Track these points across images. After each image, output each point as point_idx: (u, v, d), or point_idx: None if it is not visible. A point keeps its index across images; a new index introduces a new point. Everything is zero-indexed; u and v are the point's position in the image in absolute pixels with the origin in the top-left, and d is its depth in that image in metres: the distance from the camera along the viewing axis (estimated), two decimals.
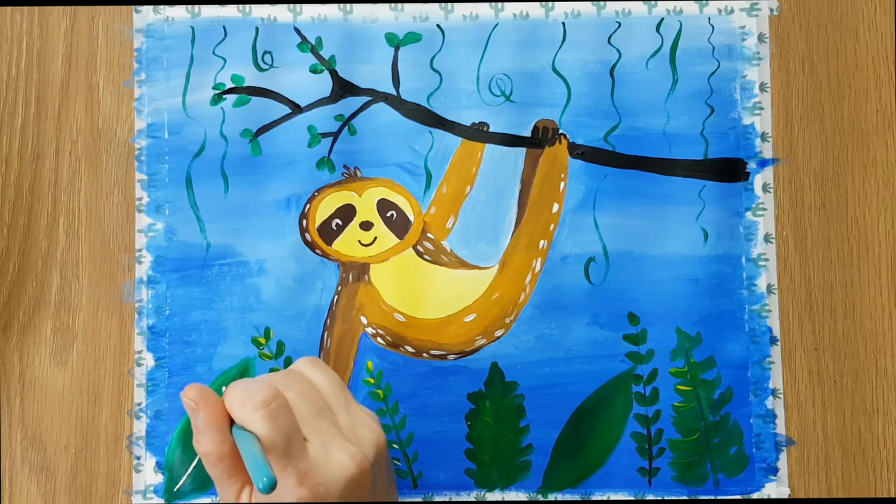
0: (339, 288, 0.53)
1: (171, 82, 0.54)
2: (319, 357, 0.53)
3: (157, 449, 0.53)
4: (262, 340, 0.53)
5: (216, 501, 0.52)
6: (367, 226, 0.54)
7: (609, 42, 0.54)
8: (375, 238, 0.54)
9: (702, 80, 0.54)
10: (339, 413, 0.42)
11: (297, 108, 0.54)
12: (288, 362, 0.53)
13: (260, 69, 0.54)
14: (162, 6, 0.54)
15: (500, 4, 0.54)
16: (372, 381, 0.53)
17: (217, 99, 0.54)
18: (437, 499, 0.52)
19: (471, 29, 0.54)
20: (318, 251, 0.53)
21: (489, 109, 0.54)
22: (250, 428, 0.39)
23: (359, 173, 0.54)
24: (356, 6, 0.54)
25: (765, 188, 0.53)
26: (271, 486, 0.37)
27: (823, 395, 0.53)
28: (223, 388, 0.42)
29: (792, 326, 0.53)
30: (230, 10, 0.54)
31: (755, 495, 0.52)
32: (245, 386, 0.41)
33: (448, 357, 0.53)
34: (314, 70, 0.54)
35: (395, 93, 0.54)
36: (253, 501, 0.41)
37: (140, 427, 0.53)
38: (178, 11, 0.54)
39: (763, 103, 0.54)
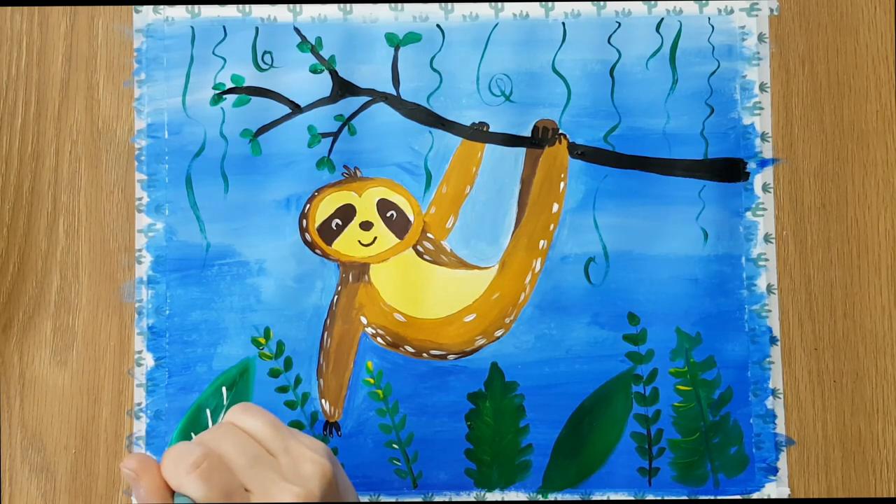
0: (339, 288, 0.53)
1: (171, 82, 0.54)
2: (319, 357, 0.53)
3: (157, 449, 0.53)
4: (262, 340, 0.53)
5: None
6: (367, 226, 0.54)
7: (609, 42, 0.54)
8: (375, 238, 0.54)
9: (702, 80, 0.54)
10: (279, 455, 0.41)
11: (297, 108, 0.54)
12: (288, 362, 0.53)
13: (260, 69, 0.54)
14: (162, 6, 0.54)
15: (500, 4, 0.54)
16: (372, 381, 0.53)
17: (217, 99, 0.54)
18: (437, 499, 0.52)
19: (471, 29, 0.54)
20: (318, 251, 0.53)
21: (489, 109, 0.54)
22: (185, 492, 0.39)
23: (359, 173, 0.54)
24: (356, 6, 0.54)
25: (765, 188, 0.53)
26: None
27: (823, 395, 0.53)
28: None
29: (792, 326, 0.53)
30: (230, 10, 0.54)
31: (755, 495, 0.52)
32: (176, 451, 0.41)
33: (448, 357, 0.53)
34: (314, 70, 0.54)
35: (395, 93, 0.54)
36: None
37: (140, 427, 0.53)
38: (178, 11, 0.54)
39: (763, 103, 0.54)
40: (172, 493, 0.40)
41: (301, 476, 0.41)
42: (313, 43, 0.54)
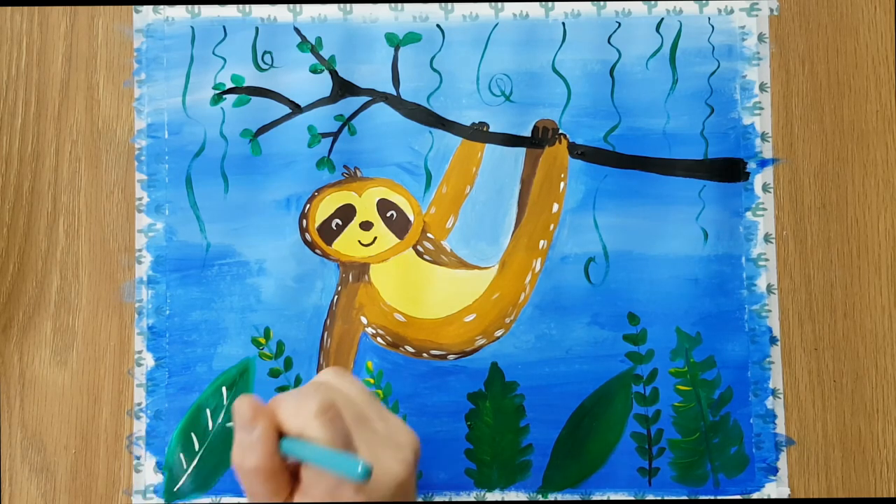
0: (339, 288, 0.53)
1: (171, 82, 0.54)
2: (319, 357, 0.53)
3: (157, 449, 0.53)
4: (262, 340, 0.53)
5: (216, 502, 0.52)
6: (367, 226, 0.54)
7: (609, 42, 0.54)
8: (375, 238, 0.54)
9: (702, 80, 0.54)
10: (375, 421, 0.42)
11: (297, 108, 0.54)
12: (288, 362, 0.53)
13: (260, 69, 0.54)
14: (162, 6, 0.54)
15: (500, 4, 0.54)
16: (372, 381, 0.53)
17: (217, 99, 0.54)
18: (437, 499, 0.52)
19: (471, 29, 0.54)
20: (318, 251, 0.53)
21: (489, 109, 0.54)
22: (311, 435, 0.39)
23: (359, 173, 0.54)
24: (356, 6, 0.54)
25: (765, 188, 0.53)
26: (369, 471, 0.36)
27: (823, 395, 0.53)
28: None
29: (792, 326, 0.53)
30: (230, 10, 0.54)
31: (755, 495, 0.52)
32: (295, 396, 0.41)
33: (448, 357, 0.53)
34: (314, 70, 0.54)
35: (395, 93, 0.54)
36: None
37: (140, 427, 0.53)
38: (178, 11, 0.54)
39: (763, 103, 0.54)
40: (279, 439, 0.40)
41: (398, 444, 0.41)
42: (313, 43, 0.54)
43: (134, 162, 0.54)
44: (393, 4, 0.54)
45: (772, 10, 0.54)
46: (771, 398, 0.52)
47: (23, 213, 0.54)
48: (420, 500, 0.52)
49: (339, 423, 0.39)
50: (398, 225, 0.54)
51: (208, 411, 0.53)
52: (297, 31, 0.54)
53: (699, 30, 0.54)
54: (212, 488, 0.52)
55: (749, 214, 0.53)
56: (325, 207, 0.53)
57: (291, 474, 0.40)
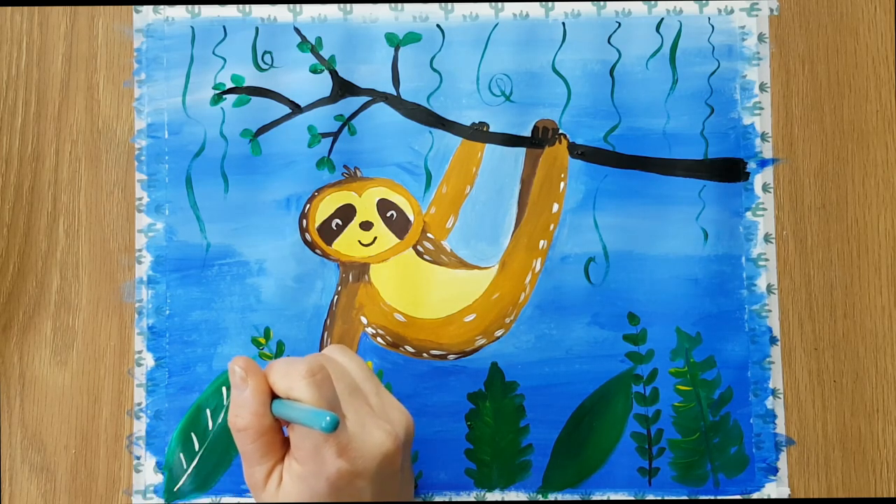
0: (339, 288, 0.53)
1: (171, 82, 0.54)
2: None
3: (157, 449, 0.53)
4: (262, 340, 0.53)
5: (216, 502, 0.52)
6: (367, 226, 0.54)
7: (609, 42, 0.54)
8: (375, 238, 0.54)
9: (702, 80, 0.54)
10: (370, 395, 0.43)
11: (297, 108, 0.54)
12: None
13: (260, 69, 0.54)
14: (162, 6, 0.54)
15: (500, 4, 0.54)
16: None
17: (217, 99, 0.54)
18: (437, 499, 0.52)
19: (471, 29, 0.54)
20: (318, 251, 0.53)
21: (489, 109, 0.54)
22: (296, 395, 0.40)
23: (359, 173, 0.54)
24: (356, 6, 0.54)
25: (765, 188, 0.53)
26: (336, 423, 0.38)
27: (823, 395, 0.53)
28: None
29: (792, 326, 0.53)
30: (230, 10, 0.54)
31: (755, 495, 0.52)
32: (287, 360, 0.42)
33: (448, 357, 0.53)
34: (314, 70, 0.54)
35: (395, 93, 0.54)
36: (284, 479, 0.41)
37: (140, 427, 0.53)
38: (178, 11, 0.54)
39: (763, 103, 0.54)
40: (271, 401, 0.42)
41: (390, 418, 0.43)
42: (313, 43, 0.54)
43: (134, 162, 0.54)
44: (393, 4, 0.54)
45: (772, 10, 0.54)
46: (771, 398, 0.52)
47: (23, 213, 0.54)
48: (420, 500, 0.52)
49: (326, 385, 0.40)
50: (398, 225, 0.54)
51: (208, 411, 0.53)
52: (297, 31, 0.54)
53: (699, 30, 0.54)
54: (212, 488, 0.52)
55: (749, 214, 0.53)
56: (325, 207, 0.53)
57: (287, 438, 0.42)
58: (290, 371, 0.41)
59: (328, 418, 0.38)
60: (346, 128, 0.54)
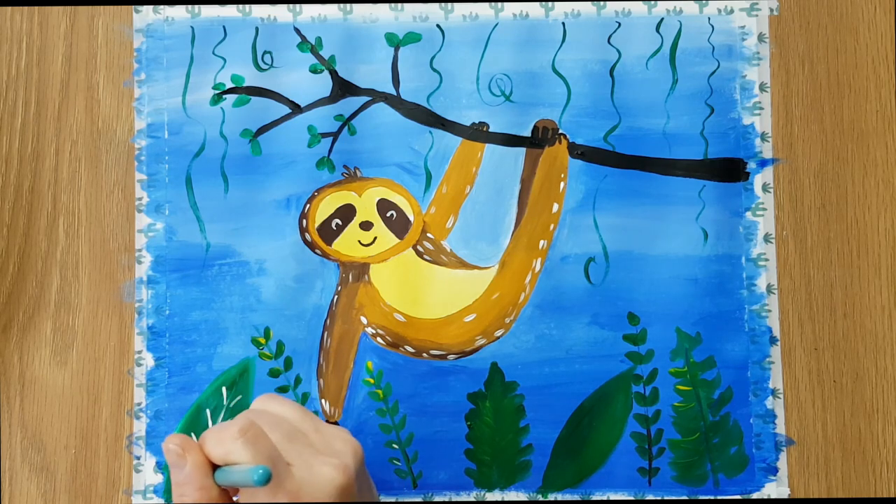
0: (339, 288, 0.53)
1: (171, 82, 0.54)
2: (319, 357, 0.53)
3: (157, 449, 0.53)
4: (262, 340, 0.53)
5: None
6: (366, 226, 0.54)
7: (609, 42, 0.54)
8: (375, 238, 0.54)
9: (702, 80, 0.54)
10: (310, 434, 0.43)
11: (297, 108, 0.54)
12: (288, 362, 0.53)
13: (260, 69, 0.54)
14: (162, 6, 0.54)
15: (500, 4, 0.54)
16: (372, 381, 0.53)
17: (217, 99, 0.54)
18: (436, 499, 0.52)
19: (471, 29, 0.54)
20: (318, 251, 0.53)
21: (489, 109, 0.54)
22: (235, 459, 0.40)
23: (359, 173, 0.54)
24: (356, 6, 0.54)
25: (765, 188, 0.53)
26: (267, 475, 0.38)
27: (823, 395, 0.53)
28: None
29: (792, 326, 0.53)
30: (230, 10, 0.54)
31: (755, 495, 0.52)
32: (218, 426, 0.42)
33: (448, 357, 0.53)
34: (314, 70, 0.54)
35: (395, 93, 0.54)
36: None
37: (140, 427, 0.53)
38: (178, 11, 0.54)
39: (763, 103, 0.54)
40: (213, 471, 0.41)
41: (335, 451, 0.42)
42: (313, 43, 0.54)
43: (134, 162, 0.54)
44: (393, 4, 0.54)
45: (772, 10, 0.54)
46: (771, 398, 0.52)
47: (23, 213, 0.54)
48: (420, 500, 0.52)
49: (261, 440, 0.40)
50: (398, 225, 0.54)
51: (208, 411, 0.53)
52: (297, 31, 0.54)
53: (699, 30, 0.54)
54: None
55: (749, 214, 0.53)
56: (325, 207, 0.54)
57: None
58: (223, 436, 0.41)
59: (260, 472, 0.37)
60: (346, 128, 0.54)
